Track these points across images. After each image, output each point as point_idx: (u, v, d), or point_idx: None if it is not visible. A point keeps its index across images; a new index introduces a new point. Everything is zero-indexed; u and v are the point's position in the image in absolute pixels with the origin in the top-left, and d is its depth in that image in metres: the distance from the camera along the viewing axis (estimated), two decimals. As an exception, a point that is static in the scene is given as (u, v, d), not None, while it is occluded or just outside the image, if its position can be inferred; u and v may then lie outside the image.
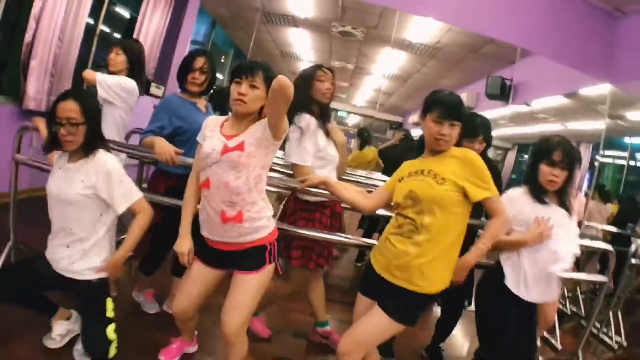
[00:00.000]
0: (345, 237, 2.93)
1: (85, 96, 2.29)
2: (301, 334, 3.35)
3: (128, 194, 2.30)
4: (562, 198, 2.47)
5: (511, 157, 12.21)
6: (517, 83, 7.55)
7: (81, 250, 2.27)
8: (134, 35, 6.64)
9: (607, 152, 9.24)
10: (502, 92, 7.45)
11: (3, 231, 3.12)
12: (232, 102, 2.16)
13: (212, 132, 2.24)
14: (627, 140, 8.52)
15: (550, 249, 2.43)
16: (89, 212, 2.27)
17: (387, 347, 2.89)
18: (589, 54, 5.50)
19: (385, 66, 9.67)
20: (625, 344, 4.98)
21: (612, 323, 4.97)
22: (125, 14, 7.06)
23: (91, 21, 5.92)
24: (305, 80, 2.85)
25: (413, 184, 2.16)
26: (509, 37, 5.49)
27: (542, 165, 2.44)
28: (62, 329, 2.49)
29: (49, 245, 2.34)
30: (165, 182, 3.00)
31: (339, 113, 18.64)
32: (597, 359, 4.58)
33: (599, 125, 7.12)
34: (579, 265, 5.87)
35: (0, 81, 4.98)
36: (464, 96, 9.27)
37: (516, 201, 2.47)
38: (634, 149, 8.63)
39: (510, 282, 2.46)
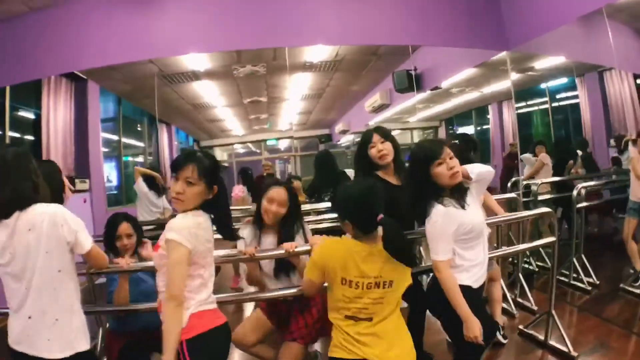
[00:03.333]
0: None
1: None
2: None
3: None
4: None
5: (442, 132, 12.55)
6: (422, 71, 7.84)
7: None
8: (44, 134, 6.52)
9: (530, 102, 9.63)
10: (410, 84, 7.72)
11: None
12: (171, 199, 2.23)
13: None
14: (544, 85, 8.91)
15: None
16: None
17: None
18: (478, 30, 5.78)
19: (295, 89, 9.83)
20: (597, 282, 5.26)
21: (579, 267, 5.23)
22: (29, 115, 6.94)
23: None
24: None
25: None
26: (398, 40, 5.73)
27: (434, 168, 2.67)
28: None
29: None
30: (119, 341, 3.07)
31: (268, 142, 18.70)
32: (574, 307, 4.82)
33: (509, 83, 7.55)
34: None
35: None
36: (377, 97, 9.54)
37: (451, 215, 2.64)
38: (551, 92, 9.04)
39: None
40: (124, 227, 3.18)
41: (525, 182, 6.25)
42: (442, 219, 2.61)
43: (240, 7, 5.38)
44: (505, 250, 4.40)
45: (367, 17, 5.52)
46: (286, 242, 2.94)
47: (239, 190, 7.23)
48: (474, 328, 2.49)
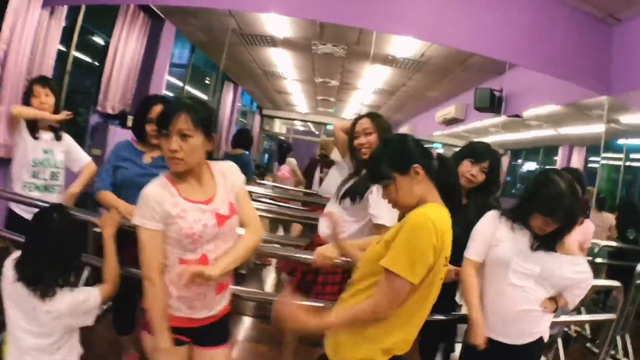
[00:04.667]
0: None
1: None
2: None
3: None
4: None
5: (505, 162, 12.05)
6: (507, 94, 7.34)
7: None
8: (109, 63, 6.40)
9: (603, 155, 9.14)
10: (492, 104, 7.23)
11: None
12: (167, 161, 1.84)
13: (172, 205, 1.84)
14: (622, 141, 8.38)
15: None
16: None
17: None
18: (581, 65, 5.27)
19: (370, 81, 9.46)
20: (635, 364, 4.74)
21: (619, 346, 4.72)
22: (99, 40, 6.82)
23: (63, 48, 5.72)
24: None
25: None
26: (493, 52, 5.26)
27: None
28: None
29: None
30: None
31: (328, 126, 18.53)
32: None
33: (592, 129, 7.00)
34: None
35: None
36: (451, 109, 9.10)
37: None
38: (628, 150, 8.51)
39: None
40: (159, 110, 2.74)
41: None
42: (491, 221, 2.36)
43: None
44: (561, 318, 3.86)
45: (466, 21, 5.07)
46: None
47: (285, 171, 6.90)
48: (479, 334, 2.22)
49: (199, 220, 1.85)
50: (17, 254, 2.05)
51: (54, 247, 1.98)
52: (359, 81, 9.82)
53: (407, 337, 1.81)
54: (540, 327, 2.30)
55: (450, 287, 2.46)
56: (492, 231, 2.32)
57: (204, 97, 10.75)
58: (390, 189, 1.80)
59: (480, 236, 2.34)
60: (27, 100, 3.30)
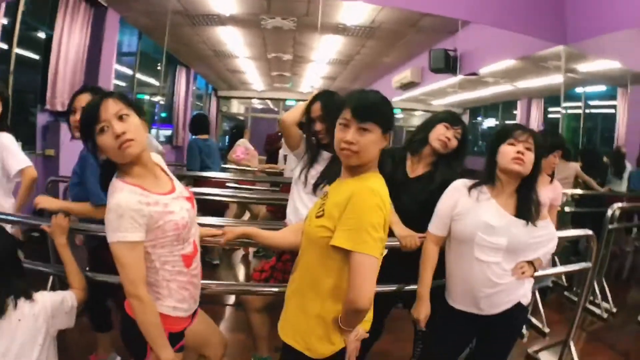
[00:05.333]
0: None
1: None
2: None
3: None
4: None
5: (465, 120, 12.25)
6: (462, 53, 7.43)
7: None
8: (54, 57, 6.19)
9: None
10: (447, 65, 7.30)
11: None
12: (115, 151, 1.70)
13: (153, 205, 1.75)
14: (580, 90, 8.59)
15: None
16: None
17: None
18: (535, 16, 5.36)
19: (323, 52, 9.44)
20: (614, 310, 4.87)
21: (597, 291, 4.84)
22: (41, 35, 6.59)
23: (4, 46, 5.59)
24: None
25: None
26: (446, 10, 5.29)
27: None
28: None
29: None
30: None
31: (287, 102, 18.43)
32: (586, 333, 4.47)
33: (550, 80, 7.16)
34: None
35: None
36: (407, 73, 9.14)
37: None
38: (587, 98, 8.73)
39: None
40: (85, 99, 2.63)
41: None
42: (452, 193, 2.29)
43: None
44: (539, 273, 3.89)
45: None
46: None
47: (240, 152, 6.72)
48: (421, 311, 2.28)
49: (181, 208, 1.79)
50: None
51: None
52: (312, 53, 9.78)
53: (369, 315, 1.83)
54: (516, 294, 2.25)
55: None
56: (452, 205, 2.26)
57: (156, 83, 10.55)
58: (368, 136, 1.69)
59: (442, 210, 2.29)
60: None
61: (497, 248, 2.15)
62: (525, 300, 2.29)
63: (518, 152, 2.11)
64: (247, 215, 6.46)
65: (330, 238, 1.65)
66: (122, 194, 1.68)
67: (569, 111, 9.17)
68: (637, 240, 6.53)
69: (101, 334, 2.89)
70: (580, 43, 5.46)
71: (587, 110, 8.91)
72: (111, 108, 1.66)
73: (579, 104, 8.76)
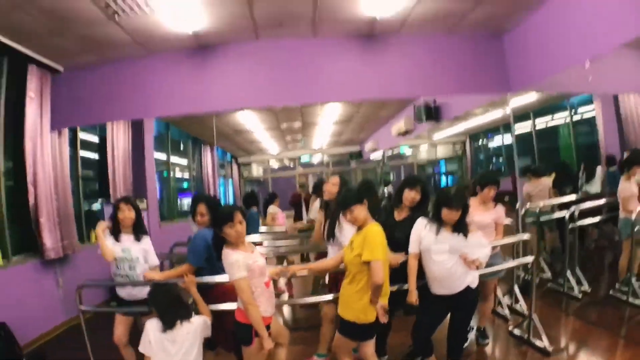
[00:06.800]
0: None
1: None
2: None
3: None
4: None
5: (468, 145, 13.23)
6: (440, 103, 8.70)
7: None
8: (109, 155, 7.58)
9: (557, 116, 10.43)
10: (429, 115, 8.58)
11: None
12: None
13: (247, 259, 3.27)
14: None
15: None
16: None
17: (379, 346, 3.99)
18: (483, 78, 6.55)
19: (328, 116, 10.88)
20: (589, 290, 5.96)
21: (572, 279, 5.93)
22: (95, 138, 8.07)
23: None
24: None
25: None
26: (408, 92, 6.64)
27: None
28: None
29: None
30: None
31: (302, 159, 19.65)
32: (562, 312, 5.55)
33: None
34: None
35: (17, 243, 5.73)
36: (401, 123, 10.38)
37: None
38: (572, 106, 9.82)
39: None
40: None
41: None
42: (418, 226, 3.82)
43: (277, 71, 6.36)
44: (487, 270, 4.42)
45: (384, 74, 6.42)
46: None
47: (281, 219, 8.13)
48: (412, 299, 3.74)
49: (260, 259, 3.36)
50: (153, 320, 3.29)
51: (171, 303, 3.28)
52: (318, 118, 11.12)
53: (386, 291, 3.45)
54: (464, 280, 3.72)
55: None
56: (418, 233, 3.80)
57: (183, 161, 12.11)
58: (354, 212, 3.41)
59: (414, 237, 3.82)
60: (114, 214, 4.16)
61: (443, 252, 3.68)
62: (473, 285, 3.78)
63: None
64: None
65: (360, 257, 3.34)
66: (236, 255, 3.26)
67: (555, 123, 10.19)
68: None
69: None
70: (526, 86, 6.52)
71: (576, 117, 9.76)
72: (239, 217, 3.25)
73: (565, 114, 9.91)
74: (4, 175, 5.58)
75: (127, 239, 4.11)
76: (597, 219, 6.24)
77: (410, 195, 4.10)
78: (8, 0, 4.46)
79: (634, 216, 5.35)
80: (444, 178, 16.86)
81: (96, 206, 8.08)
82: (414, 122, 10.15)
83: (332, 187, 4.32)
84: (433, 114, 8.58)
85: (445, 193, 3.72)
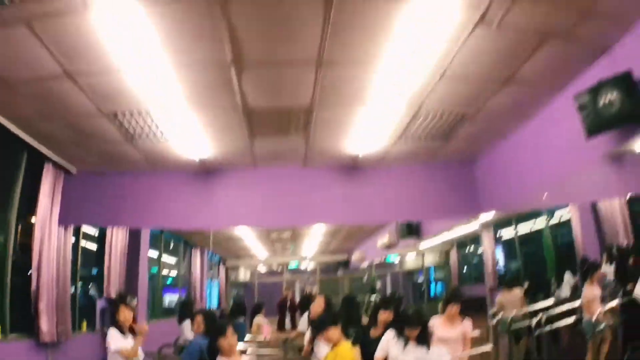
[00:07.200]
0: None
1: None
2: None
3: None
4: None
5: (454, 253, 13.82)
6: (421, 220, 9.27)
7: None
8: (107, 251, 7.94)
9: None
10: (411, 232, 9.15)
11: None
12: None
13: None
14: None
15: None
16: None
17: None
18: (454, 206, 7.08)
19: (315, 229, 11.45)
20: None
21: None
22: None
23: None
24: None
25: None
26: (384, 218, 7.36)
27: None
28: None
29: None
30: None
31: (290, 265, 20.02)
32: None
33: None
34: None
35: (15, 321, 5.91)
36: (386, 237, 10.94)
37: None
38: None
39: None
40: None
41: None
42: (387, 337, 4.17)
43: (271, 196, 6.92)
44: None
45: (365, 201, 6.98)
46: None
47: (266, 330, 8.41)
48: None
49: None
50: None
51: None
52: (307, 231, 11.71)
53: None
54: None
55: None
56: (387, 341, 4.15)
57: (172, 259, 12.55)
58: (329, 334, 3.83)
59: (382, 345, 4.17)
60: (114, 312, 4.58)
61: None
62: None
63: None
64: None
65: None
66: None
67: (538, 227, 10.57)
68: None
69: None
70: (495, 207, 7.07)
71: (554, 221, 9.41)
72: (231, 330, 3.57)
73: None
74: (12, 257, 5.93)
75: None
76: (570, 320, 6.34)
77: (384, 316, 4.49)
78: (39, 112, 5.03)
79: (594, 318, 5.66)
80: (433, 285, 17.12)
81: (91, 293, 8.29)
82: (396, 236, 10.73)
83: (317, 308, 4.79)
84: (414, 230, 9.13)
85: (406, 313, 4.19)
